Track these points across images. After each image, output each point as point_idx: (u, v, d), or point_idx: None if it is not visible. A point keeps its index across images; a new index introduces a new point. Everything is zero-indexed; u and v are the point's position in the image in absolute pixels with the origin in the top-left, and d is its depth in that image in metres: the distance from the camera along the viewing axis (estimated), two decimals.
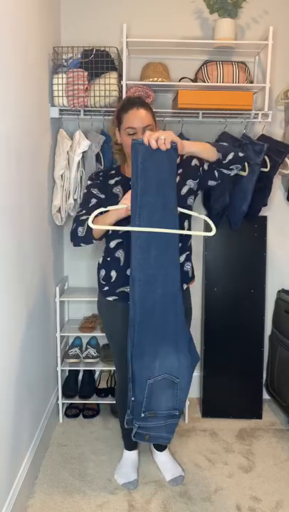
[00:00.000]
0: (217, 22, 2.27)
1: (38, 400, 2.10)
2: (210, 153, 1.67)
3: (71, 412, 2.53)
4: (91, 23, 2.43)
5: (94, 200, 1.80)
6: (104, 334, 2.45)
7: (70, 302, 2.71)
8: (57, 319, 2.40)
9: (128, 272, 1.71)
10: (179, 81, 2.37)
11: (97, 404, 2.59)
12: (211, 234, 1.59)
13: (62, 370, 2.45)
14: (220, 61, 2.27)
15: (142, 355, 1.59)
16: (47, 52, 2.16)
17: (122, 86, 2.23)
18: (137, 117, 1.69)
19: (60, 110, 2.27)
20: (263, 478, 2.07)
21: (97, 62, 2.17)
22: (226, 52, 2.38)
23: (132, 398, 1.63)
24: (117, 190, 1.79)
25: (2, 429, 1.61)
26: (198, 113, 2.31)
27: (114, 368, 2.06)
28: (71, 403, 2.57)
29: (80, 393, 2.53)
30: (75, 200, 2.29)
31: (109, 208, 1.61)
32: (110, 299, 1.85)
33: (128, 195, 1.58)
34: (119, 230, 1.72)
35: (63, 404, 2.49)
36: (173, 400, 1.63)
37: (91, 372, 2.66)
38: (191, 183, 1.74)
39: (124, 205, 1.59)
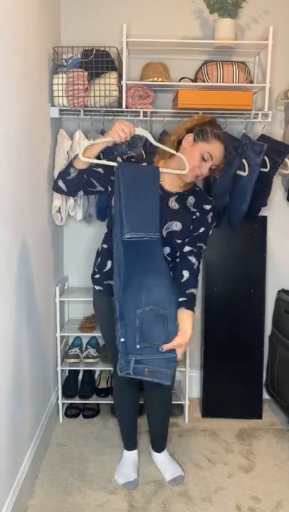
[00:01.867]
0: (217, 22, 2.27)
1: (38, 400, 2.10)
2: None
3: (71, 412, 2.53)
4: (91, 23, 2.43)
5: (101, 170, 1.71)
6: None
7: (70, 302, 2.71)
8: (57, 319, 2.40)
9: None
10: (179, 81, 2.37)
11: (97, 404, 2.59)
12: (184, 172, 1.67)
13: (62, 370, 2.45)
14: (220, 61, 2.27)
15: (128, 289, 1.62)
16: (47, 52, 2.16)
17: (122, 86, 2.22)
18: (220, 154, 1.70)
19: (60, 110, 2.27)
20: (263, 478, 2.07)
21: (97, 62, 2.16)
22: (226, 52, 2.38)
23: (122, 339, 1.62)
24: None
25: (2, 429, 1.61)
26: (198, 113, 2.30)
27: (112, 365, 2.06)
28: (71, 403, 2.57)
29: (80, 393, 2.53)
30: (75, 200, 2.29)
31: (96, 140, 1.62)
32: (97, 288, 1.87)
33: (117, 125, 1.58)
34: (107, 166, 1.66)
35: (63, 404, 2.49)
36: (164, 332, 1.63)
37: (91, 372, 2.66)
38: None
39: (110, 138, 1.60)
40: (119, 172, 1.59)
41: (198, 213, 1.79)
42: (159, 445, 2.11)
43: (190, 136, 1.70)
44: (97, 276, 1.87)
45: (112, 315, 1.70)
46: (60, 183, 1.69)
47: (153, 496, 1.94)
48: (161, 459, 2.10)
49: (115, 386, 2.03)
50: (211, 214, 1.81)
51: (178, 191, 1.79)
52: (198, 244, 1.78)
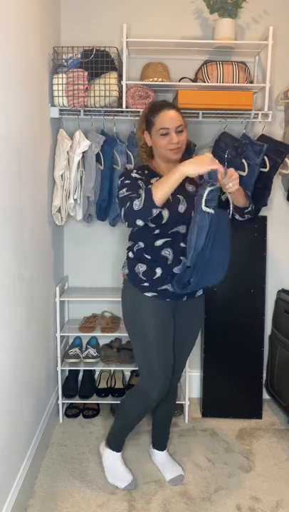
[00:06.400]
0: (217, 22, 2.27)
1: (38, 400, 2.10)
2: (243, 199, 1.81)
3: (71, 412, 2.53)
4: (91, 23, 2.43)
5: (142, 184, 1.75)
6: (104, 334, 2.46)
7: (70, 302, 2.71)
8: (57, 319, 2.40)
9: (176, 270, 1.77)
10: (179, 81, 2.37)
11: (97, 404, 2.59)
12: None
13: (62, 370, 2.45)
14: (220, 61, 2.27)
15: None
16: (47, 52, 2.16)
17: (122, 86, 2.23)
18: (170, 118, 1.74)
19: (60, 110, 2.27)
20: (263, 478, 2.07)
21: (97, 62, 2.16)
22: (226, 52, 2.38)
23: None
24: None
25: (2, 429, 1.61)
26: (198, 113, 2.31)
27: (136, 367, 1.98)
28: (71, 403, 2.57)
29: (80, 393, 2.53)
30: (75, 200, 2.29)
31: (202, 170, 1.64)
32: (149, 294, 1.81)
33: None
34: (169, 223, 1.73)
35: (63, 404, 2.49)
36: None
37: (91, 372, 2.66)
38: None
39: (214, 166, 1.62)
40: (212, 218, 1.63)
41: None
42: (161, 443, 2.11)
43: (146, 135, 1.82)
44: (146, 284, 1.81)
45: (161, 319, 1.81)
46: (140, 221, 1.68)
47: (153, 496, 1.94)
48: (162, 458, 2.10)
49: (136, 397, 1.93)
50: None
51: None
52: None
